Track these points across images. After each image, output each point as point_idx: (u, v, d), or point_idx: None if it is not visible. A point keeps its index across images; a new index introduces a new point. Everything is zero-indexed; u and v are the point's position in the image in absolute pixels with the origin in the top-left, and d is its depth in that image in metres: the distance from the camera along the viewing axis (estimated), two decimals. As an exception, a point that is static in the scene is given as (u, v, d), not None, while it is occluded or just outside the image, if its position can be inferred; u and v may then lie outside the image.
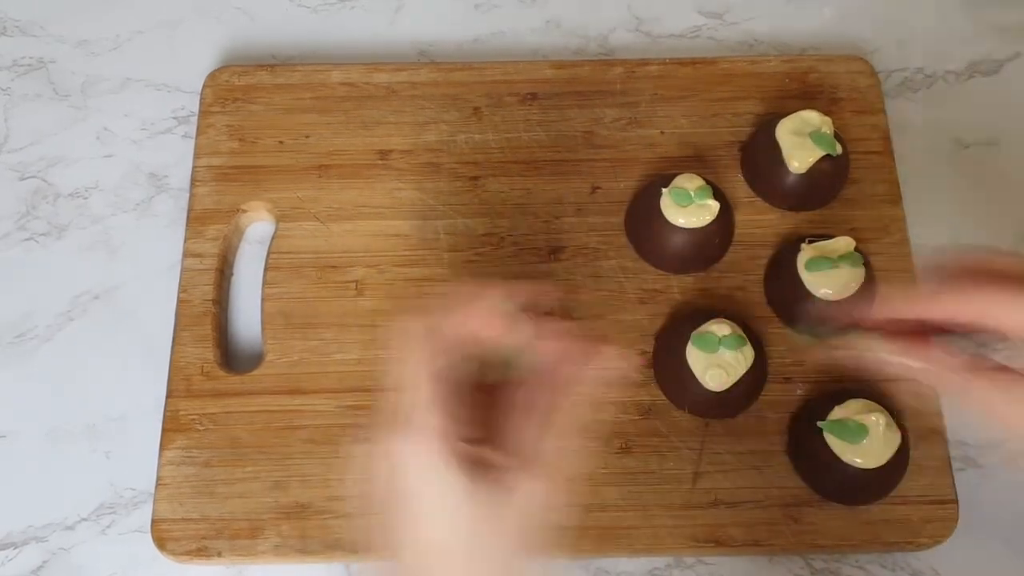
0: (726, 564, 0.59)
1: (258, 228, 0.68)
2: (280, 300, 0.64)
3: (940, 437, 0.60)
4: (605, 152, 0.68)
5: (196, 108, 0.69)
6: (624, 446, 0.60)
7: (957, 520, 0.58)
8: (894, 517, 0.58)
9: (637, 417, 0.60)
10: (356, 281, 0.64)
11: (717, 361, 0.57)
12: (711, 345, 0.57)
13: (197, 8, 0.76)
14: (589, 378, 0.45)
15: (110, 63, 0.73)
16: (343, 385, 0.61)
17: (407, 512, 0.43)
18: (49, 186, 0.69)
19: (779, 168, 0.64)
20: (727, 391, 0.58)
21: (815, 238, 0.62)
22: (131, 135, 0.71)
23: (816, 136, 0.63)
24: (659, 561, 0.59)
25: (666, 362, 0.61)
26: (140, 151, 0.70)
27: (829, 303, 0.60)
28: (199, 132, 0.68)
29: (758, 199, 0.66)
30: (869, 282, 0.61)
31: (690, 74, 0.70)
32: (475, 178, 0.67)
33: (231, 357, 0.64)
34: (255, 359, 0.63)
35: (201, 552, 0.57)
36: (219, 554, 0.57)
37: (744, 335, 0.58)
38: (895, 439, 0.56)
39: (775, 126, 0.64)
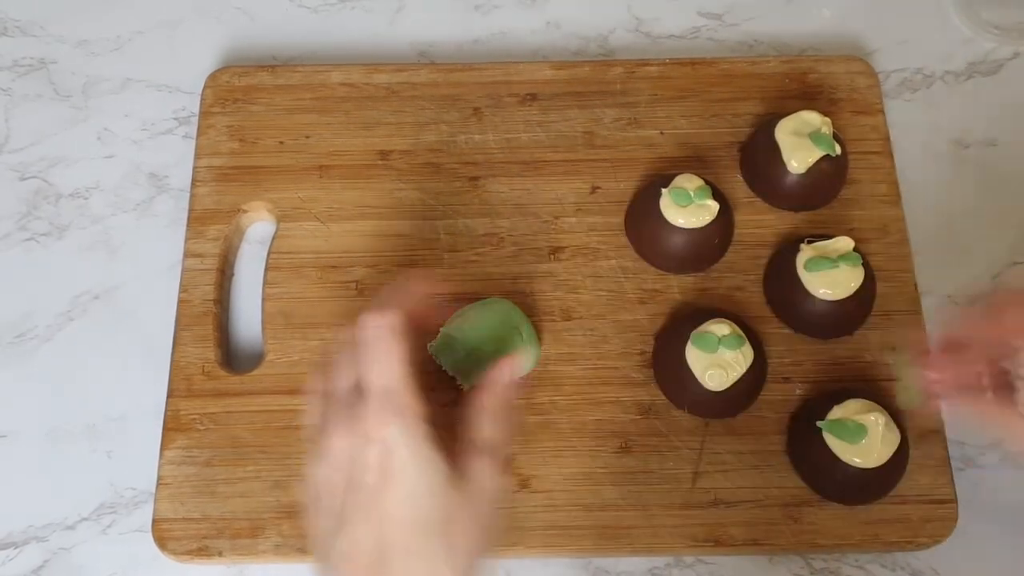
0: (726, 564, 0.59)
1: (259, 228, 0.68)
2: (281, 300, 0.64)
3: (939, 437, 0.60)
4: (605, 152, 0.68)
5: (196, 108, 0.70)
6: (624, 446, 0.60)
7: (956, 520, 0.58)
8: (893, 517, 0.58)
9: (637, 417, 0.61)
10: (356, 281, 0.64)
11: (717, 361, 0.57)
12: (711, 345, 0.58)
13: (197, 8, 0.76)
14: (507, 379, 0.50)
15: (110, 63, 0.74)
16: (343, 385, 0.61)
17: (391, 491, 0.44)
18: (50, 186, 0.69)
19: (778, 168, 0.64)
20: (727, 391, 0.58)
21: (814, 238, 0.62)
22: (132, 135, 0.71)
23: (815, 136, 0.63)
24: (659, 560, 0.59)
25: (666, 362, 0.61)
26: (141, 151, 0.70)
27: (829, 303, 0.60)
28: (200, 132, 0.68)
29: (757, 199, 0.67)
30: (868, 282, 0.61)
31: (690, 75, 0.70)
32: (475, 178, 0.67)
33: (232, 357, 0.64)
34: (256, 359, 0.63)
35: (202, 552, 0.57)
36: (220, 553, 0.57)
37: (743, 335, 0.58)
38: (894, 439, 0.56)
39: (774, 126, 0.64)
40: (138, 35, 0.75)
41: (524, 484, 0.59)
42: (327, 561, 0.45)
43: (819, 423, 0.57)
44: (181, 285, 0.64)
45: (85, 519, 0.60)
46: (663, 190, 0.62)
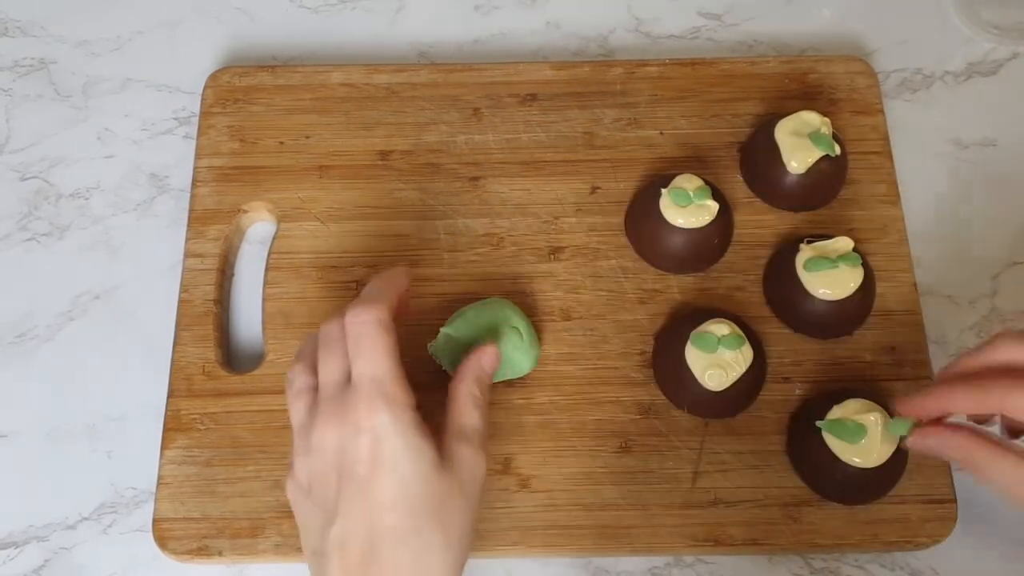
0: (725, 563, 0.59)
1: (259, 228, 0.68)
2: (281, 300, 0.64)
3: (939, 437, 0.60)
4: (605, 152, 0.68)
5: (197, 109, 0.70)
6: (624, 445, 0.60)
7: (956, 519, 0.58)
8: (893, 516, 0.58)
9: (637, 417, 0.61)
10: (357, 281, 0.64)
11: (716, 361, 0.57)
12: (710, 345, 0.58)
13: (197, 8, 0.76)
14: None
15: (111, 63, 0.74)
16: (343, 385, 0.61)
17: (382, 480, 0.44)
18: (50, 186, 0.69)
19: (778, 168, 0.64)
20: (726, 391, 0.58)
21: (814, 238, 0.62)
22: (132, 135, 0.71)
23: (815, 137, 0.63)
24: (658, 560, 0.59)
25: (666, 362, 0.61)
26: (141, 151, 0.70)
27: (828, 303, 0.60)
28: (200, 133, 0.68)
29: (757, 199, 0.67)
30: (868, 282, 0.61)
31: (689, 75, 0.70)
32: (475, 178, 0.67)
33: (232, 357, 0.64)
34: (256, 359, 0.63)
35: (202, 551, 0.57)
36: (220, 553, 0.57)
37: (743, 335, 0.58)
38: (894, 438, 0.56)
39: (774, 127, 0.64)
40: (138, 35, 0.75)
41: (524, 484, 0.59)
42: (320, 552, 0.46)
43: (819, 423, 0.57)
44: (181, 285, 0.64)
45: (85, 519, 0.60)
46: (663, 190, 0.62)
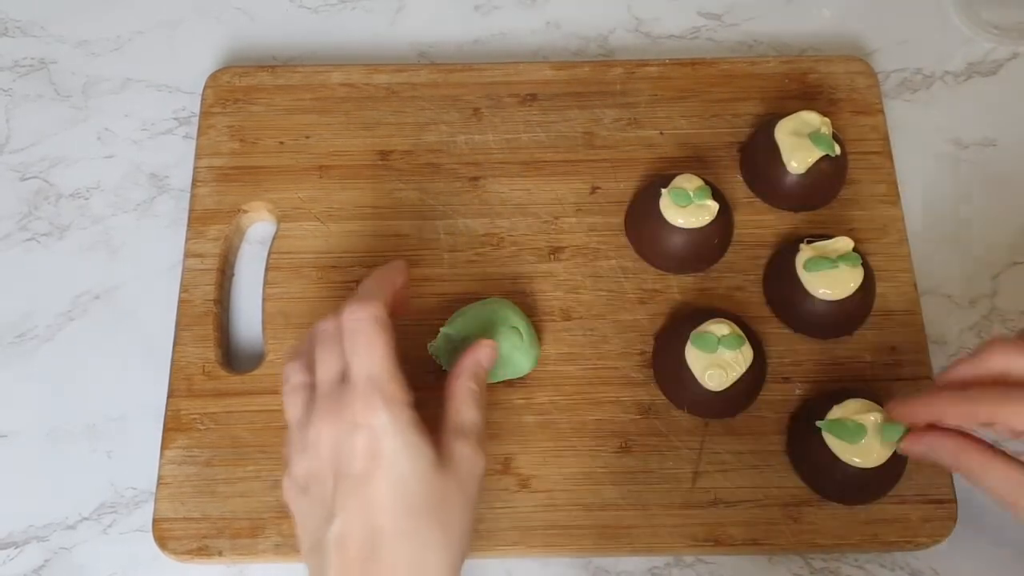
0: (725, 563, 0.59)
1: (259, 228, 0.68)
2: (281, 300, 0.64)
3: (939, 437, 0.60)
4: (605, 152, 0.68)
5: (197, 109, 0.70)
6: (624, 445, 0.60)
7: (956, 519, 0.58)
8: (893, 516, 0.58)
9: (637, 416, 0.61)
10: (356, 281, 0.64)
11: (716, 361, 0.57)
12: (710, 345, 0.58)
13: (197, 8, 0.76)
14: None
15: (111, 63, 0.74)
16: (343, 385, 0.61)
17: (380, 478, 0.44)
18: (50, 186, 0.69)
19: (778, 168, 0.64)
20: (726, 391, 0.58)
21: (814, 238, 0.62)
22: (132, 135, 0.71)
23: (815, 137, 0.63)
24: (658, 560, 0.59)
25: (665, 362, 0.61)
26: (141, 151, 0.70)
27: (828, 303, 0.60)
28: (200, 133, 0.68)
29: (757, 199, 0.67)
30: (868, 282, 0.61)
31: (689, 75, 0.70)
32: (475, 178, 0.67)
33: (232, 357, 0.64)
34: (256, 359, 0.63)
35: (202, 551, 0.57)
36: (220, 553, 0.57)
37: (743, 335, 0.58)
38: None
39: (774, 127, 0.64)
40: (138, 35, 0.75)
41: (524, 484, 0.59)
42: (319, 550, 0.46)
43: (819, 423, 0.57)
44: (181, 285, 0.64)
45: (85, 519, 0.60)
46: (663, 190, 0.62)
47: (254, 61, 0.73)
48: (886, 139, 0.69)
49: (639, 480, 0.59)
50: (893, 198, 0.67)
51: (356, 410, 0.46)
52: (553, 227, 0.66)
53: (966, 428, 0.50)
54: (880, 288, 0.63)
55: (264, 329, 0.63)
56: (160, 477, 0.59)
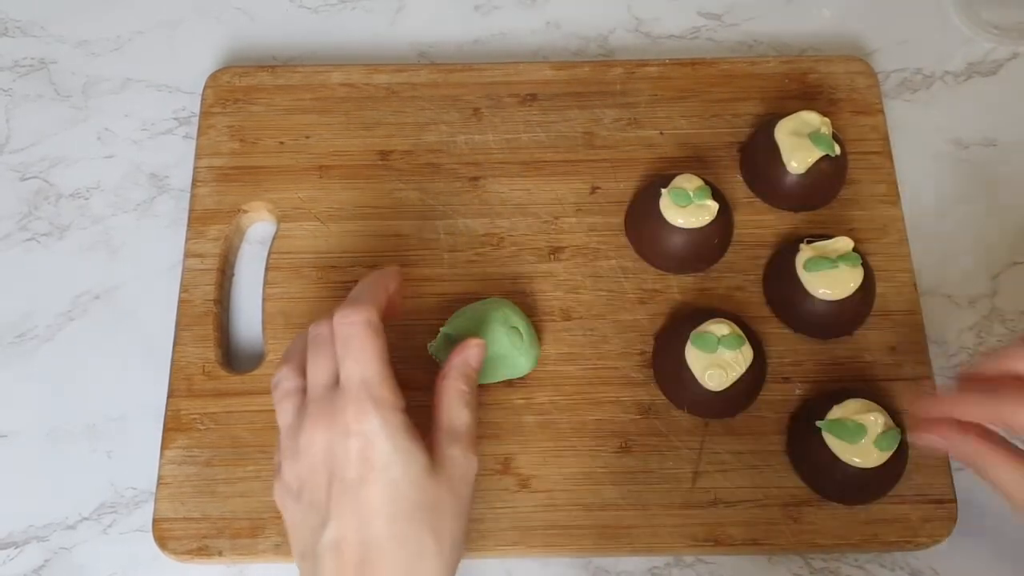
0: (725, 563, 0.59)
1: (259, 228, 0.68)
2: (281, 300, 0.64)
3: (939, 437, 0.60)
4: (605, 152, 0.68)
5: (197, 109, 0.70)
6: (624, 445, 0.60)
7: (956, 519, 0.58)
8: (893, 516, 0.58)
9: (637, 416, 0.61)
10: (356, 281, 0.63)
11: (716, 361, 0.57)
12: (710, 345, 0.58)
13: (197, 8, 0.76)
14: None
15: (111, 63, 0.74)
16: (343, 385, 0.61)
17: (373, 484, 0.44)
18: (50, 186, 0.69)
19: (778, 168, 0.64)
20: (726, 391, 0.58)
21: (814, 238, 0.62)
22: (132, 135, 0.71)
23: (815, 137, 0.63)
24: (658, 560, 0.59)
25: (665, 362, 0.61)
26: (141, 151, 0.70)
27: (828, 303, 0.60)
28: (200, 133, 0.68)
29: (757, 199, 0.67)
30: (868, 282, 0.61)
31: (689, 75, 0.70)
32: (475, 178, 0.67)
33: (232, 357, 0.64)
34: (256, 359, 0.63)
35: (202, 551, 0.57)
36: (220, 553, 0.57)
37: (743, 335, 0.58)
38: (893, 440, 0.56)
39: (774, 127, 0.64)
40: (138, 35, 0.75)
41: (524, 484, 0.59)
42: (312, 555, 0.46)
43: (819, 423, 0.57)
44: (181, 285, 0.64)
45: (85, 519, 0.60)
46: (663, 190, 0.62)
47: (254, 61, 0.73)
48: (886, 139, 0.69)
49: (639, 480, 0.59)
50: (893, 198, 0.67)
51: (349, 416, 0.45)
52: (553, 227, 0.66)
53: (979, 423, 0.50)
54: (880, 288, 0.63)
55: (264, 329, 0.63)
56: (160, 477, 0.59)
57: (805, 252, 0.61)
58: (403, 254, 0.65)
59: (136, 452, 0.61)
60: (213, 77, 0.70)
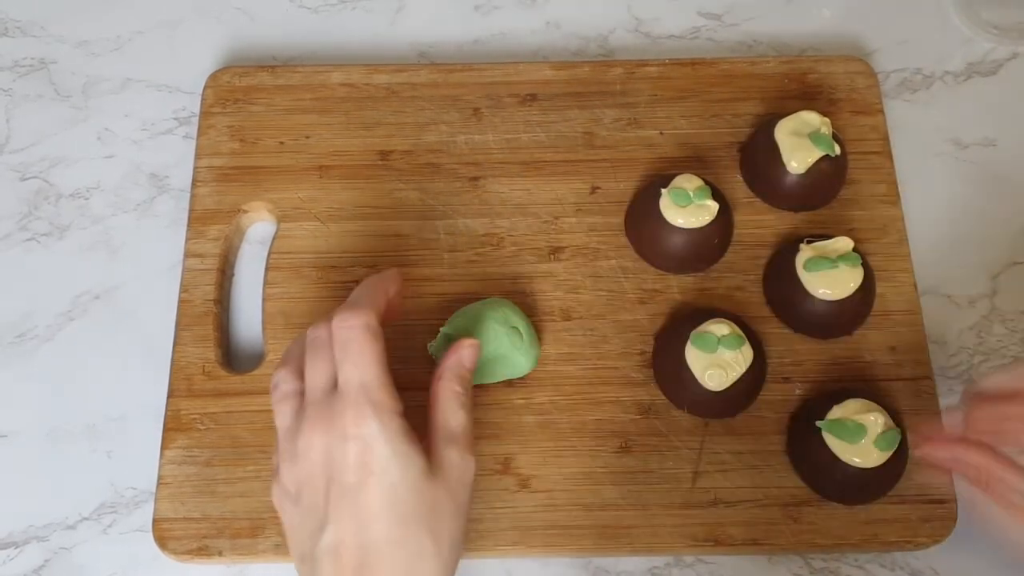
0: (725, 563, 0.59)
1: (259, 228, 0.68)
2: (281, 300, 0.64)
3: (939, 436, 0.60)
4: (604, 152, 0.68)
5: (197, 109, 0.70)
6: (624, 445, 0.60)
7: (956, 519, 0.58)
8: (893, 516, 0.58)
9: (637, 416, 0.61)
10: (356, 281, 0.63)
11: (716, 361, 0.58)
12: (710, 345, 0.58)
13: (197, 8, 0.76)
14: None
15: (111, 63, 0.74)
16: (343, 385, 0.61)
17: (372, 488, 0.44)
18: (50, 186, 0.69)
19: (778, 168, 0.64)
20: (726, 391, 0.58)
21: (814, 238, 0.62)
22: (132, 135, 0.71)
23: (815, 137, 0.63)
24: (658, 560, 0.59)
25: (665, 362, 0.61)
26: (141, 151, 0.70)
27: (828, 303, 0.60)
28: (200, 133, 0.68)
29: (757, 199, 0.67)
30: (867, 282, 0.61)
31: (689, 75, 0.70)
32: (475, 178, 0.67)
33: (232, 357, 0.64)
34: (256, 359, 0.63)
35: (202, 551, 0.57)
36: (220, 553, 0.57)
37: (743, 335, 0.58)
38: (893, 439, 0.56)
39: (774, 127, 0.64)
40: (138, 35, 0.75)
41: (524, 484, 0.59)
42: (311, 558, 0.46)
43: (819, 423, 0.57)
44: (181, 285, 0.64)
45: (85, 519, 0.60)
46: (663, 190, 0.62)
47: (254, 61, 0.73)
48: (886, 139, 0.69)
49: (639, 480, 0.59)
50: (893, 198, 0.67)
51: (347, 420, 0.45)
52: (553, 227, 0.66)
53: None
54: (880, 288, 0.63)
55: (264, 329, 0.63)
56: (160, 477, 0.59)
57: (805, 252, 0.61)
58: (403, 254, 0.65)
59: (136, 452, 0.61)
60: (213, 77, 0.70)
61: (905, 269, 0.65)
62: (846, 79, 0.70)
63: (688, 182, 0.62)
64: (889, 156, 0.68)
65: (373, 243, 0.65)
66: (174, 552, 0.58)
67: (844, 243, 0.61)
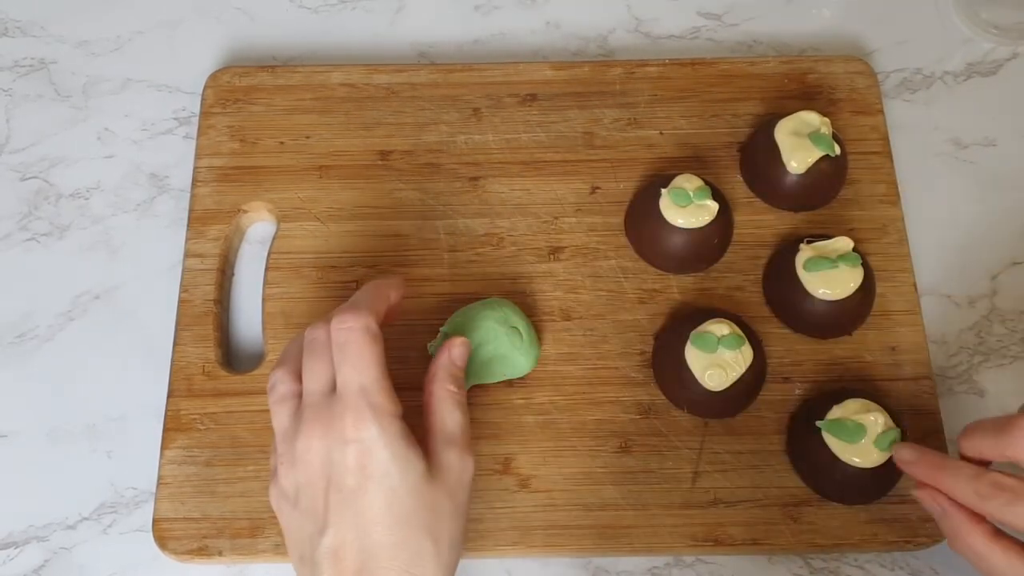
0: (725, 563, 0.59)
1: (259, 228, 0.68)
2: (281, 300, 0.64)
3: (939, 436, 0.60)
4: (604, 152, 0.68)
5: (197, 109, 0.70)
6: (623, 445, 0.60)
7: (955, 519, 0.58)
8: (893, 516, 0.58)
9: (637, 416, 0.61)
10: (356, 281, 0.64)
11: (716, 361, 0.57)
12: (710, 345, 0.58)
13: (197, 8, 0.76)
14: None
15: (111, 63, 0.74)
16: (343, 385, 0.61)
17: (372, 491, 0.44)
18: (50, 186, 0.69)
19: (778, 169, 0.64)
20: (726, 391, 0.58)
21: (814, 238, 0.62)
22: (132, 136, 0.71)
23: (815, 137, 0.63)
24: (658, 560, 0.59)
25: (665, 362, 0.61)
26: (141, 151, 0.71)
27: (828, 303, 0.60)
28: (200, 133, 0.68)
29: (757, 199, 0.67)
30: (867, 282, 0.61)
31: (689, 75, 0.70)
32: (475, 178, 0.67)
33: (232, 357, 0.64)
34: (256, 359, 0.63)
35: (202, 551, 0.57)
36: (220, 553, 0.58)
37: (743, 335, 0.58)
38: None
39: (774, 127, 0.64)
40: (138, 35, 0.75)
41: (524, 484, 0.59)
42: (311, 561, 0.46)
43: (818, 423, 0.57)
44: (181, 285, 0.64)
45: (85, 519, 0.60)
46: (662, 190, 0.62)
47: (254, 61, 0.73)
48: (886, 139, 0.69)
49: (639, 480, 0.59)
50: (893, 198, 0.67)
51: (347, 423, 0.45)
52: (553, 227, 0.66)
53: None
54: (880, 288, 0.63)
55: (264, 329, 0.63)
56: (160, 477, 0.59)
57: (805, 252, 0.61)
58: (403, 254, 0.65)
59: (136, 452, 0.61)
60: (213, 77, 0.70)
61: (905, 269, 0.65)
62: (846, 79, 0.70)
63: (688, 182, 0.62)
64: (889, 156, 0.68)
65: (373, 243, 0.65)
66: (174, 552, 0.58)
67: (844, 243, 0.61)
